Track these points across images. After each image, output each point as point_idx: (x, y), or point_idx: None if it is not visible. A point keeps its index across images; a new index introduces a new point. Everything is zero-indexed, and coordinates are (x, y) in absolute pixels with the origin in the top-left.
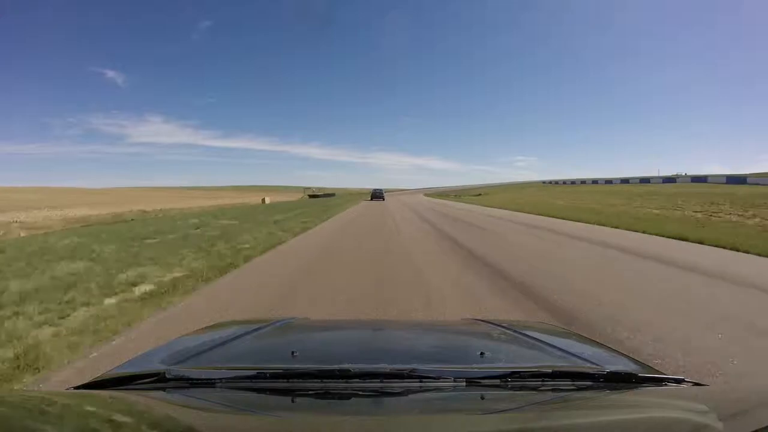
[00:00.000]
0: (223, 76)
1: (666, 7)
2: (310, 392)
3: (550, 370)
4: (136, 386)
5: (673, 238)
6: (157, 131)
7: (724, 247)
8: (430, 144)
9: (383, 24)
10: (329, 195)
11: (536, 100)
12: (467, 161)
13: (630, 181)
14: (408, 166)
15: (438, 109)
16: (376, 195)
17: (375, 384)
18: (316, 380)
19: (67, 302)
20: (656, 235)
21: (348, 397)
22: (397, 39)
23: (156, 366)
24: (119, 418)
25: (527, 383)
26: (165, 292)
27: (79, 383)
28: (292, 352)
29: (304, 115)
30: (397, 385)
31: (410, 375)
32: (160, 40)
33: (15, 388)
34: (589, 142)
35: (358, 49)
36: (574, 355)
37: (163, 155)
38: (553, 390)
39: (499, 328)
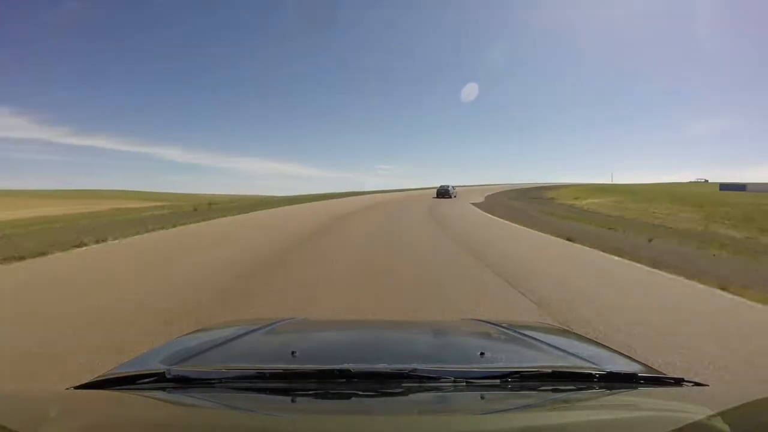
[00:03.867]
0: (82, 66)
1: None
2: (310, 392)
3: (550, 370)
4: (136, 386)
5: None
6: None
7: None
8: (294, 150)
9: (249, 24)
10: None
11: (398, 109)
12: (331, 168)
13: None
14: (272, 172)
15: (303, 114)
16: (442, 192)
17: (375, 384)
18: (316, 380)
19: None
20: None
21: (348, 397)
22: (265, 42)
23: (156, 366)
24: (119, 418)
25: (527, 383)
26: None
27: None
28: (292, 352)
29: (166, 115)
30: (397, 385)
31: (410, 375)
32: (9, 19)
33: (15, 387)
34: (448, 152)
35: (223, 47)
36: (573, 355)
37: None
38: (553, 390)
39: (498, 328)
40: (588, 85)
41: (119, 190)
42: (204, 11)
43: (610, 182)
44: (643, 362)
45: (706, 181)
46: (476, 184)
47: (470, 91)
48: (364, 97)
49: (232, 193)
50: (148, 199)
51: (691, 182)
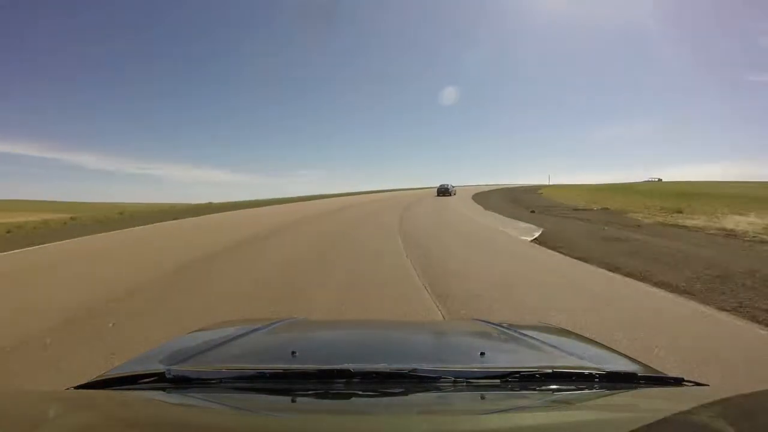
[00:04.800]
0: None
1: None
2: (310, 392)
3: (550, 370)
4: (136, 386)
5: None
6: None
7: None
8: (219, 155)
9: (169, 23)
10: None
11: (322, 116)
12: (255, 173)
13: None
14: (194, 179)
15: (226, 119)
16: (442, 191)
17: (375, 384)
18: (316, 380)
19: None
20: None
21: (348, 397)
22: (178, 42)
23: (156, 366)
24: (119, 418)
25: (527, 383)
26: None
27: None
28: (292, 352)
29: (79, 117)
30: (397, 385)
31: (410, 375)
32: None
33: (14, 387)
34: (371, 157)
35: (139, 46)
36: (573, 355)
37: None
38: (553, 390)
39: (499, 328)
40: (522, 91)
41: (23, 201)
42: (120, 6)
43: (547, 183)
44: (643, 362)
45: (660, 180)
46: (418, 186)
47: (446, 95)
48: (296, 104)
49: (152, 201)
50: (59, 210)
51: (645, 181)
